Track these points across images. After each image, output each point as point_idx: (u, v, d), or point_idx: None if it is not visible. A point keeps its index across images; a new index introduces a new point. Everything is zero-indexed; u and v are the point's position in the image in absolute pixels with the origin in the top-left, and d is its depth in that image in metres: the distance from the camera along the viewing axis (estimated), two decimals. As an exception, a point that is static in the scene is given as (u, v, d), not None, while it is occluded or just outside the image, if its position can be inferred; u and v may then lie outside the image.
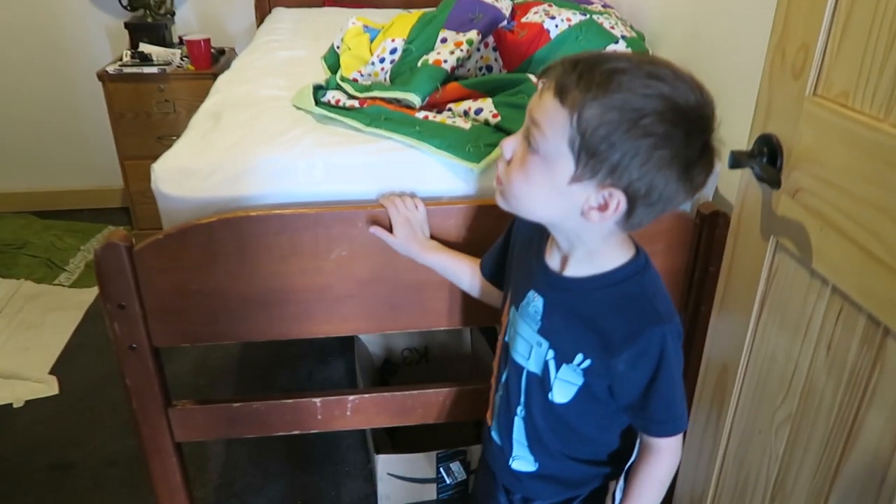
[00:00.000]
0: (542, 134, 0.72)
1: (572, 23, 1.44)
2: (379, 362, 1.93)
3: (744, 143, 0.97)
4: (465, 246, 1.14)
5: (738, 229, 1.01)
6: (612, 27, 1.45)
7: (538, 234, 0.88)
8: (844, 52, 0.79)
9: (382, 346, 1.92)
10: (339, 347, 2.10)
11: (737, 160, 0.92)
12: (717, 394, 1.09)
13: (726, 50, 1.29)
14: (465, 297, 1.13)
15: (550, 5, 1.51)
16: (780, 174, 0.88)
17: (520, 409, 0.92)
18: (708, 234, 1.14)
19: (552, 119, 0.70)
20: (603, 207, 0.72)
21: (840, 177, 0.78)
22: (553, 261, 0.86)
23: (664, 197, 0.71)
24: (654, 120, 0.67)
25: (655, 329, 0.78)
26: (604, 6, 1.66)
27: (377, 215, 1.10)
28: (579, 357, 0.82)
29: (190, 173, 1.14)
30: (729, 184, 1.21)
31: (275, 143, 1.19)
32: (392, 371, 1.93)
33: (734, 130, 1.26)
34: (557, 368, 0.85)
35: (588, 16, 1.46)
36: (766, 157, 0.90)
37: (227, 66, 2.50)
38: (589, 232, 0.78)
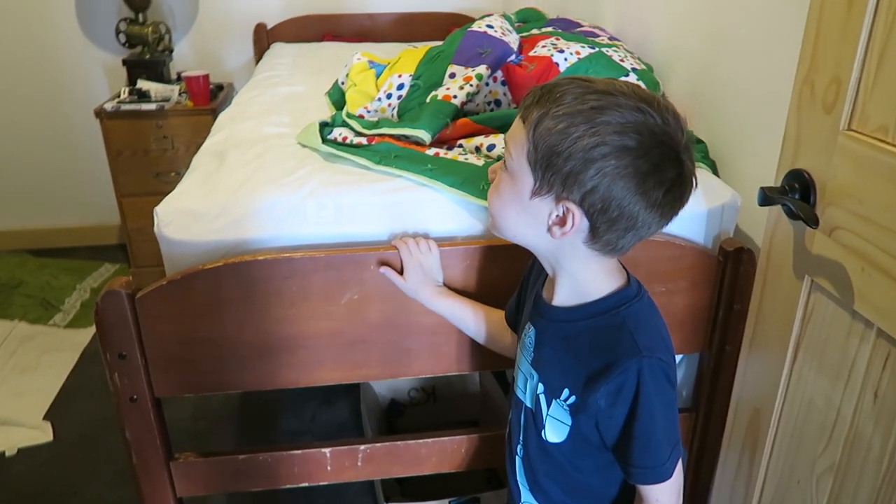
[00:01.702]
0: (508, 153, 0.76)
1: (581, 56, 1.41)
2: (385, 403, 1.87)
3: (763, 175, 0.93)
4: (480, 287, 1.10)
5: (768, 267, 0.97)
6: (622, 60, 1.43)
7: (543, 271, 0.87)
8: (881, 85, 0.76)
9: (388, 386, 1.86)
10: (344, 388, 2.03)
11: (767, 197, 0.88)
12: (748, 438, 1.04)
13: (739, 82, 1.27)
14: (482, 340, 1.09)
15: (558, 39, 1.49)
16: (815, 211, 0.84)
17: (519, 448, 0.91)
18: (732, 271, 1.10)
19: (515, 138, 0.75)
20: (562, 222, 0.73)
21: (882, 215, 0.75)
22: (546, 291, 0.86)
23: (625, 213, 0.71)
24: (604, 130, 0.68)
25: (631, 361, 0.75)
26: (611, 39, 1.64)
27: (389, 258, 1.06)
28: (565, 392, 0.81)
29: (195, 216, 1.09)
30: (752, 220, 1.17)
31: (282, 184, 1.15)
32: (399, 412, 1.87)
33: (751, 162, 1.23)
34: (548, 404, 0.83)
35: (597, 49, 1.44)
36: (798, 193, 0.87)
37: (225, 101, 2.49)
38: (564, 254, 0.78)
